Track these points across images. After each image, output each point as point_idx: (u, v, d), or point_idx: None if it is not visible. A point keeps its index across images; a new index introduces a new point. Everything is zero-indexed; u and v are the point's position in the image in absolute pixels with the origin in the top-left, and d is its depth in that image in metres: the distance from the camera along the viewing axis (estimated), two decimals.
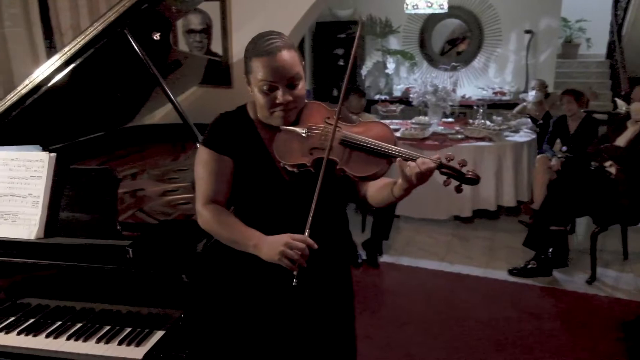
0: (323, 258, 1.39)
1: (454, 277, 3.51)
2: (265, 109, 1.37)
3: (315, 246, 1.25)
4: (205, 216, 1.40)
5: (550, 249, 3.39)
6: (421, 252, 3.91)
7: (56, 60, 1.87)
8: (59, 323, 1.48)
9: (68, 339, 1.42)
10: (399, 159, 1.27)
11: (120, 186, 2.29)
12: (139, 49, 1.97)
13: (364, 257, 3.76)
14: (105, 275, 1.50)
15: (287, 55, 1.33)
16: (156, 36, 2.20)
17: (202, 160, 1.43)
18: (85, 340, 1.42)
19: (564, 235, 3.44)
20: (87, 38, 1.82)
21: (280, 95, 1.33)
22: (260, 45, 1.33)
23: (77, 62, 1.89)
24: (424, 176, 1.24)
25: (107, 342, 1.41)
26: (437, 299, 3.20)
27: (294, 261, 1.23)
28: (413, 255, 3.85)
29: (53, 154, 1.59)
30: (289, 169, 1.38)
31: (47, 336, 1.43)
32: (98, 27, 1.81)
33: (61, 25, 3.27)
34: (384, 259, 3.80)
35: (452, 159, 1.29)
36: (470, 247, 4.01)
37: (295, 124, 1.41)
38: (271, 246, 1.26)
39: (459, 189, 1.32)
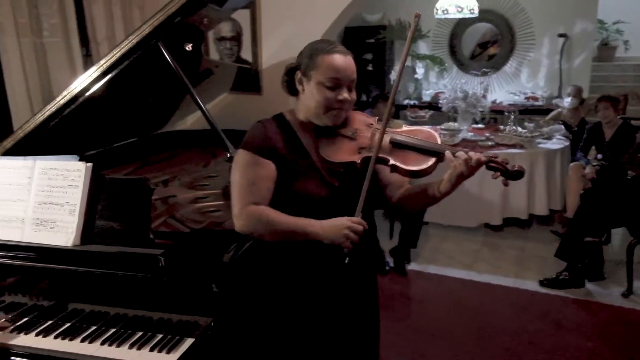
0: (352, 263, 1.42)
1: (482, 286, 3.46)
2: (322, 106, 1.42)
3: (367, 227, 1.36)
4: (248, 217, 1.39)
5: (584, 260, 3.29)
6: (449, 261, 3.86)
7: (93, 72, 1.94)
8: (94, 328, 1.53)
9: (102, 343, 1.46)
10: (448, 152, 1.37)
11: (153, 193, 2.38)
12: (171, 60, 2.02)
13: (392, 265, 3.74)
14: (137, 282, 1.54)
15: (352, 61, 1.45)
16: (188, 47, 2.25)
17: (244, 164, 1.44)
18: (118, 346, 1.46)
19: (598, 247, 3.35)
20: (123, 50, 1.88)
21: (343, 93, 1.42)
22: (329, 46, 1.42)
23: (113, 73, 1.95)
24: (473, 169, 1.35)
25: (139, 349, 1.45)
26: (465, 309, 3.16)
27: (352, 241, 1.33)
28: (441, 264, 3.81)
29: (90, 164, 1.64)
30: (335, 168, 1.45)
31: (83, 340, 1.47)
32: (133, 40, 1.87)
33: (97, 35, 3.38)
34: (412, 266, 3.78)
35: (496, 157, 1.42)
36: (499, 256, 3.94)
37: (342, 127, 1.49)
38: (333, 228, 1.34)
39: (505, 183, 1.43)
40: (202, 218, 2.12)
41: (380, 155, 1.40)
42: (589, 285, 3.33)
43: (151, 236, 1.60)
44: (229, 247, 1.66)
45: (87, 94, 1.99)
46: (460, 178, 1.36)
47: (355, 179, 1.42)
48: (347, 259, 1.35)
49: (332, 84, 1.40)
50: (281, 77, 1.53)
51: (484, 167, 1.39)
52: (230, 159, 2.06)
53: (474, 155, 1.36)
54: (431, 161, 1.40)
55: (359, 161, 1.42)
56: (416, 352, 2.74)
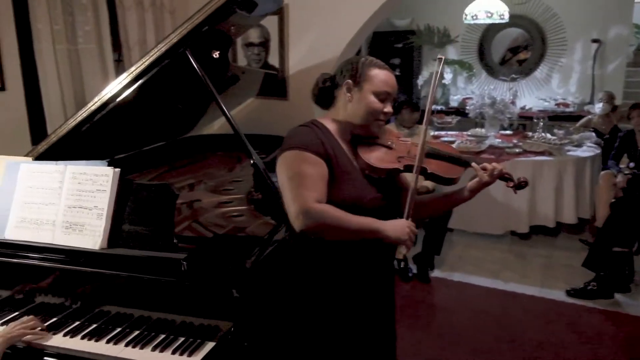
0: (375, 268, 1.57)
1: (507, 295, 3.41)
2: (371, 114, 1.52)
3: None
4: (314, 215, 1.37)
5: (613, 272, 3.21)
6: (474, 268, 3.82)
7: (123, 79, 2.00)
8: (119, 329, 1.58)
9: (127, 345, 1.51)
10: (474, 164, 1.55)
11: (178, 197, 2.43)
12: (198, 68, 2.06)
13: (415, 272, 3.72)
14: (161, 286, 1.58)
15: (395, 79, 1.57)
16: (216, 54, 2.30)
17: (302, 161, 1.43)
18: (142, 348, 1.50)
19: (627, 257, 3.26)
20: (152, 58, 1.94)
21: (388, 106, 1.53)
22: (379, 62, 1.54)
23: (142, 80, 2.01)
24: (495, 178, 1.52)
25: (162, 351, 1.48)
26: (489, 318, 3.12)
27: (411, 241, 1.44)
28: (465, 271, 3.77)
29: (117, 169, 1.69)
30: (378, 174, 1.54)
31: (108, 342, 1.52)
32: (162, 48, 1.93)
33: (129, 40, 3.47)
34: (435, 274, 3.75)
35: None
36: (526, 265, 3.88)
37: (377, 137, 1.60)
38: (397, 227, 1.43)
39: (515, 191, 1.59)
40: (226, 222, 2.16)
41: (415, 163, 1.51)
42: (618, 296, 3.25)
43: (175, 241, 1.64)
44: (250, 252, 1.69)
45: (118, 100, 2.05)
46: (484, 186, 1.54)
47: (387, 187, 1.57)
48: (402, 263, 1.48)
49: (382, 96, 1.51)
50: (314, 86, 1.60)
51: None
52: (255, 165, 2.09)
53: (497, 166, 1.52)
54: (461, 170, 1.56)
55: (402, 168, 1.53)
56: (438, 359, 2.72)
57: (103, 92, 2.02)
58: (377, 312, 1.66)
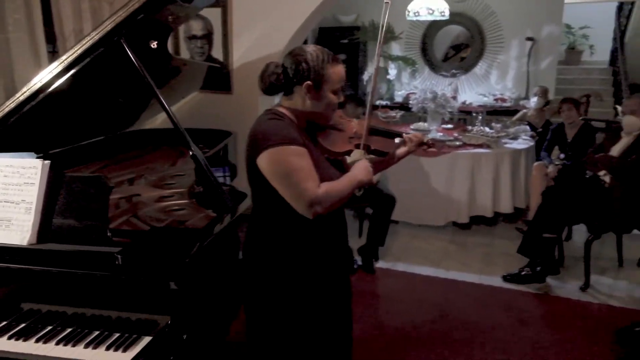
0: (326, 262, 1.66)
1: (449, 283, 3.53)
2: (331, 109, 1.63)
3: None
4: (325, 200, 1.48)
5: (544, 257, 3.39)
6: (417, 259, 3.93)
7: (54, 68, 1.91)
8: (50, 328, 1.52)
9: (57, 343, 1.46)
10: (404, 134, 1.83)
11: (117, 191, 2.36)
12: (134, 58, 2.01)
13: (360, 263, 3.79)
14: (95, 281, 1.54)
15: None
16: (153, 44, 2.24)
17: (297, 155, 1.49)
18: (74, 345, 1.45)
19: (556, 243, 3.45)
20: (85, 47, 1.87)
21: (340, 96, 1.63)
22: (332, 56, 1.60)
23: (75, 69, 1.93)
24: (418, 144, 1.81)
25: (95, 348, 1.44)
26: (432, 305, 3.23)
27: None
28: (409, 261, 3.88)
29: (47, 162, 1.63)
30: (337, 157, 1.72)
31: (37, 341, 1.46)
32: (95, 36, 1.86)
33: (64, 30, 3.33)
34: (380, 264, 3.83)
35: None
36: (466, 254, 4.03)
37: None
38: (365, 172, 1.61)
39: (427, 149, 1.88)
40: (165, 217, 2.11)
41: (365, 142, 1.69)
42: (549, 280, 3.43)
43: (109, 234, 1.60)
44: (188, 245, 1.67)
45: (49, 90, 1.96)
46: (409, 153, 1.83)
47: (339, 165, 1.74)
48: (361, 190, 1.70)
49: (338, 91, 1.61)
50: (263, 76, 1.61)
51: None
52: (194, 157, 2.06)
53: (419, 135, 1.83)
54: (394, 142, 1.82)
55: (354, 148, 1.69)
56: (384, 348, 2.79)
57: (32, 82, 1.93)
58: (334, 302, 1.73)
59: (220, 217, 1.94)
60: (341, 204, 1.57)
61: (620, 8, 8.97)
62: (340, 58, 1.67)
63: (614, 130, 3.74)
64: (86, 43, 1.87)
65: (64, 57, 1.91)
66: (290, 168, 1.47)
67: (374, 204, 3.85)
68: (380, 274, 3.69)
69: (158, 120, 4.13)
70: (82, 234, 1.58)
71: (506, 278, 3.50)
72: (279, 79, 1.58)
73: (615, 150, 3.51)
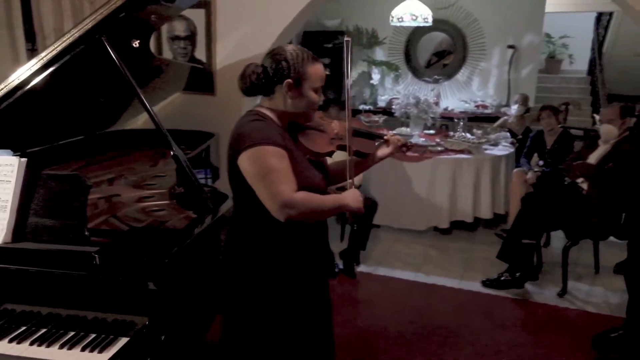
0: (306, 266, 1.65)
1: (429, 287, 3.55)
2: (312, 108, 1.63)
3: None
4: (300, 204, 1.47)
5: (523, 263, 3.44)
6: (398, 263, 3.95)
7: (32, 65, 1.89)
8: (24, 328, 1.49)
9: (31, 344, 1.43)
10: (386, 136, 1.83)
11: (96, 191, 2.32)
12: (115, 57, 1.99)
13: (341, 267, 3.79)
14: (72, 281, 1.51)
15: None
16: (135, 43, 2.22)
17: (276, 155, 1.48)
18: (48, 346, 1.42)
19: (535, 249, 3.50)
20: (65, 44, 1.85)
21: (321, 95, 1.63)
22: (311, 55, 1.59)
23: (54, 67, 1.91)
24: (399, 147, 1.82)
25: (70, 348, 1.42)
26: (412, 310, 3.24)
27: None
28: (390, 266, 3.89)
29: (24, 159, 1.60)
30: (319, 158, 1.70)
31: (10, 341, 1.43)
32: (75, 33, 1.84)
33: (44, 28, 3.28)
34: (361, 268, 3.83)
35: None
36: (447, 259, 4.06)
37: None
38: (355, 198, 1.59)
39: (405, 152, 1.90)
40: (145, 217, 2.09)
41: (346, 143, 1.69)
42: (527, 286, 3.48)
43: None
44: (167, 245, 1.66)
45: (27, 87, 1.93)
46: (391, 154, 1.83)
47: (320, 166, 1.71)
48: (355, 225, 1.61)
49: (319, 89, 1.61)
50: (243, 78, 1.60)
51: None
52: (175, 157, 2.04)
53: (401, 139, 1.84)
54: (374, 144, 1.84)
55: (335, 149, 1.70)
56: (365, 351, 2.79)
57: (10, 78, 1.90)
58: (314, 306, 1.72)
59: (201, 218, 1.93)
60: (317, 217, 1.58)
61: (598, 19, 9.19)
62: (324, 62, 1.68)
63: (591, 139, 3.82)
64: (66, 40, 1.85)
65: (43, 54, 1.88)
66: (267, 168, 1.47)
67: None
68: (361, 278, 3.69)
69: (139, 121, 4.10)
70: (59, 233, 1.56)
71: (485, 283, 3.54)
72: (259, 78, 1.58)
73: (593, 158, 3.57)
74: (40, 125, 2.40)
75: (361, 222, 3.83)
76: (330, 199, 1.58)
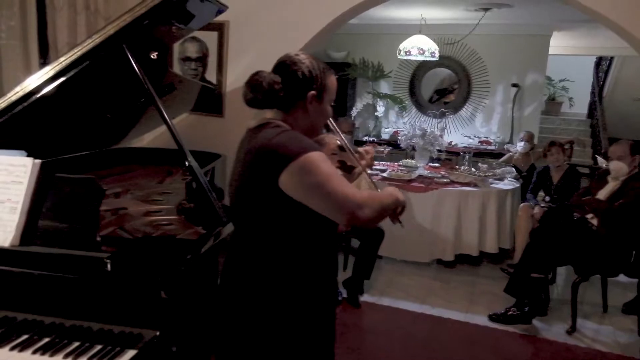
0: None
1: (434, 320, 3.46)
2: (326, 120, 1.54)
3: None
4: (371, 202, 1.33)
5: (531, 297, 3.36)
6: (402, 294, 3.86)
7: (50, 70, 1.86)
8: (26, 336, 1.40)
9: (34, 352, 1.34)
10: (359, 149, 1.73)
11: (102, 203, 2.27)
12: (136, 66, 1.97)
13: (345, 296, 3.70)
14: (80, 288, 1.44)
15: None
16: (154, 55, 2.21)
17: (327, 161, 1.35)
18: (52, 355, 1.34)
19: (544, 283, 3.43)
20: (85, 49, 1.82)
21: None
22: (327, 66, 1.51)
23: (72, 73, 1.88)
24: (370, 161, 1.71)
25: (75, 358, 1.34)
26: (417, 341, 3.14)
27: None
28: (394, 296, 3.80)
29: (38, 161, 1.55)
30: None
31: (12, 349, 1.35)
32: (96, 39, 1.82)
33: (58, 42, 3.28)
34: (365, 298, 3.74)
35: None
36: (451, 291, 3.97)
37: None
38: (400, 193, 1.49)
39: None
40: (154, 230, 2.03)
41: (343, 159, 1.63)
42: (535, 322, 3.39)
43: (99, 239, 1.51)
44: (180, 254, 1.59)
45: (42, 92, 1.90)
46: (368, 167, 1.72)
47: None
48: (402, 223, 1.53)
49: (331, 102, 1.53)
50: (268, 87, 1.42)
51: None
52: (189, 168, 2.00)
53: (371, 150, 1.73)
54: (357, 157, 1.73)
55: (339, 165, 1.62)
56: None
57: (26, 82, 1.87)
58: (319, 339, 1.57)
59: (215, 229, 1.87)
60: (385, 215, 1.42)
61: (598, 63, 9.38)
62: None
63: (599, 175, 3.80)
64: (87, 45, 1.82)
65: (62, 59, 1.85)
66: (326, 175, 1.31)
67: (362, 236, 3.80)
68: (365, 308, 3.60)
69: (145, 140, 4.07)
70: (70, 237, 1.50)
71: (492, 317, 3.45)
72: (279, 90, 1.41)
73: (602, 195, 3.55)
74: (48, 136, 2.36)
75: (367, 251, 3.77)
76: (386, 194, 1.44)
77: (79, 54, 1.84)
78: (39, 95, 1.90)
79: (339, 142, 1.63)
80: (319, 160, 1.32)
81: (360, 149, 1.73)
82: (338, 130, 1.59)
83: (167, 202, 2.45)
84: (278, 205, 1.36)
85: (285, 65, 1.45)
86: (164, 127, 3.33)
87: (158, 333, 1.39)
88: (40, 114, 2.01)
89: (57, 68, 1.85)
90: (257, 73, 1.46)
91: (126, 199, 2.48)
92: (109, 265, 1.42)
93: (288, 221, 1.38)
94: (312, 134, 1.52)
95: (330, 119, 1.56)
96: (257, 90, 1.43)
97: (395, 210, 1.47)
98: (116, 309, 1.43)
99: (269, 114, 1.48)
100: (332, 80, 1.50)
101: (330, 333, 1.66)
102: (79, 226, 1.51)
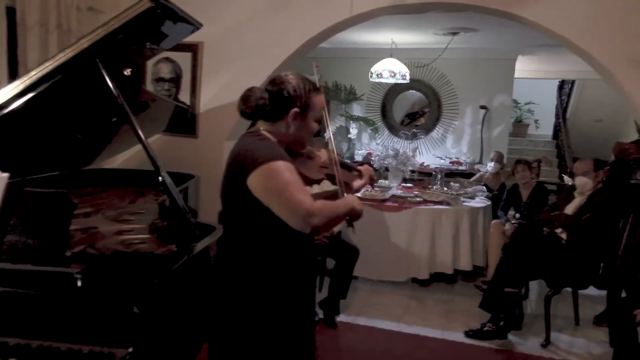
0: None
1: (411, 338, 3.45)
2: (311, 136, 1.67)
3: None
4: (321, 212, 1.44)
5: (506, 312, 3.39)
6: (379, 313, 3.84)
7: (19, 84, 1.82)
8: None
9: None
10: (360, 168, 1.90)
11: (72, 223, 2.21)
12: (110, 81, 1.95)
13: (321, 316, 3.66)
14: (47, 307, 1.39)
15: None
16: (127, 72, 2.19)
17: (290, 170, 1.48)
18: None
19: (518, 298, 3.47)
20: (57, 63, 1.79)
21: (317, 124, 1.66)
22: (314, 85, 1.64)
23: (42, 87, 1.84)
24: (370, 178, 1.89)
25: None
26: (396, 359, 3.12)
27: None
28: (370, 316, 3.78)
29: (5, 174, 1.51)
30: (310, 184, 1.70)
31: None
32: (69, 53, 1.79)
33: (28, 62, 3.23)
34: (341, 318, 3.71)
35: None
36: (427, 310, 3.98)
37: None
38: (357, 201, 1.60)
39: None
40: (126, 249, 1.98)
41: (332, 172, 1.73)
42: (511, 337, 3.41)
43: (68, 254, 1.47)
44: (154, 269, 1.56)
45: (11, 108, 1.85)
46: (364, 185, 1.89)
47: None
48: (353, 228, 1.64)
49: (319, 119, 1.65)
50: (256, 102, 1.57)
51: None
52: (162, 183, 1.97)
53: (371, 169, 1.91)
54: (354, 175, 1.86)
55: (325, 177, 1.74)
56: None
57: None
58: (299, 344, 1.65)
59: (189, 245, 1.84)
60: (335, 224, 1.57)
61: (561, 86, 9.75)
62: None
63: (566, 191, 3.92)
64: (59, 59, 1.80)
65: (32, 73, 1.82)
66: (285, 182, 1.45)
67: (337, 255, 3.79)
68: (342, 328, 3.56)
69: (117, 162, 4.01)
70: (38, 253, 1.45)
71: (469, 334, 3.46)
72: (265, 105, 1.58)
73: (569, 209, 3.65)
74: (17, 155, 2.30)
75: (342, 270, 3.76)
76: (341, 203, 1.57)
77: (50, 67, 1.81)
78: (6, 112, 1.86)
79: (325, 158, 1.77)
80: (282, 169, 1.46)
81: (359, 167, 1.88)
82: (334, 148, 1.75)
83: (139, 222, 2.40)
84: (250, 206, 1.49)
85: (274, 84, 1.61)
86: (135, 149, 3.30)
87: (131, 350, 1.35)
88: (7, 131, 1.96)
89: (27, 82, 1.82)
90: (249, 89, 1.62)
91: (97, 219, 2.42)
92: (79, 281, 1.38)
93: (261, 222, 1.50)
94: (297, 146, 1.67)
95: (331, 137, 1.77)
96: (247, 105, 1.60)
97: (352, 217, 1.59)
98: (86, 327, 1.39)
99: (259, 124, 1.63)
100: (317, 99, 1.63)
101: (310, 350, 1.70)
102: (48, 241, 1.47)
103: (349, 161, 2.05)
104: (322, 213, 1.44)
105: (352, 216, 1.59)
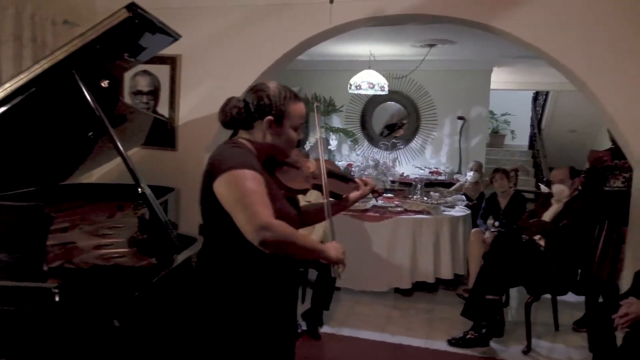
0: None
1: (395, 347, 3.44)
2: (292, 145, 1.64)
3: None
4: (276, 229, 1.39)
5: (487, 319, 3.42)
6: (362, 323, 3.83)
7: None
8: None
9: None
10: (357, 179, 1.88)
11: (49, 238, 2.16)
12: (87, 93, 1.92)
13: (304, 328, 3.63)
14: (23, 324, 1.35)
15: None
16: (104, 83, 2.17)
17: (253, 179, 1.44)
18: None
19: (499, 305, 3.50)
20: (32, 75, 1.77)
21: (301, 133, 1.66)
22: (293, 93, 1.62)
23: (17, 100, 1.81)
24: (369, 190, 1.87)
25: None
26: None
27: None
28: (354, 326, 3.77)
29: None
30: (294, 194, 1.69)
31: None
32: (44, 64, 1.77)
33: (2, 76, 3.17)
34: (325, 329, 3.69)
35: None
36: (410, 319, 3.99)
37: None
38: (336, 250, 1.54)
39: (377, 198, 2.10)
40: (105, 263, 1.95)
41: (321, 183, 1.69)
42: (493, 344, 3.44)
43: (45, 269, 1.44)
44: (134, 281, 1.53)
45: None
46: (362, 197, 1.87)
47: (294, 202, 1.71)
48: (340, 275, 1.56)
49: (298, 127, 1.63)
50: (226, 110, 1.59)
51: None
52: (142, 195, 1.95)
53: (371, 182, 1.89)
54: (347, 186, 1.84)
55: (311, 187, 1.71)
56: None
57: None
58: (278, 356, 1.64)
59: (168, 258, 1.81)
60: (292, 250, 1.47)
61: (535, 98, 9.97)
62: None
63: (543, 199, 3.99)
64: (34, 71, 1.77)
65: (6, 85, 1.79)
66: (246, 191, 1.42)
67: (320, 266, 3.78)
68: (325, 339, 3.54)
69: (94, 176, 3.95)
70: (14, 268, 1.41)
71: (451, 342, 3.47)
72: (240, 112, 1.59)
73: (547, 216, 3.71)
74: None
75: (325, 281, 3.74)
76: (311, 240, 1.55)
77: (25, 79, 1.78)
78: None
79: (315, 168, 1.74)
80: (247, 177, 1.43)
81: (358, 180, 1.87)
82: (323, 161, 1.70)
83: (118, 236, 2.37)
84: (221, 214, 1.47)
85: (252, 91, 1.61)
86: (115, 162, 3.25)
87: None
88: None
89: (1, 95, 1.78)
90: (229, 99, 1.62)
91: (74, 233, 2.38)
92: (57, 296, 1.34)
93: (234, 231, 1.45)
94: (279, 154, 1.65)
95: (321, 146, 1.77)
96: (224, 114, 1.62)
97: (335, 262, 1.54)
98: (64, 344, 1.35)
99: (240, 134, 1.63)
100: (296, 107, 1.61)
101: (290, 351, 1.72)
102: (23, 256, 1.43)
103: (347, 172, 2.02)
104: (277, 231, 1.38)
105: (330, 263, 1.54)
